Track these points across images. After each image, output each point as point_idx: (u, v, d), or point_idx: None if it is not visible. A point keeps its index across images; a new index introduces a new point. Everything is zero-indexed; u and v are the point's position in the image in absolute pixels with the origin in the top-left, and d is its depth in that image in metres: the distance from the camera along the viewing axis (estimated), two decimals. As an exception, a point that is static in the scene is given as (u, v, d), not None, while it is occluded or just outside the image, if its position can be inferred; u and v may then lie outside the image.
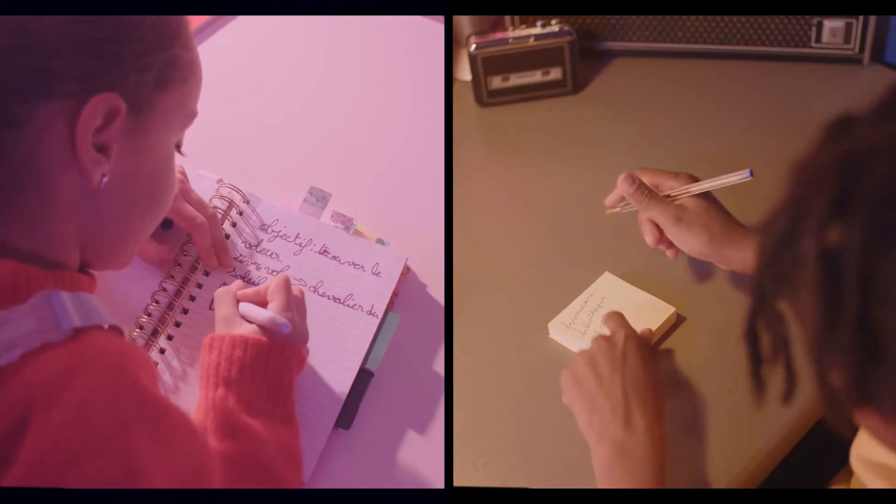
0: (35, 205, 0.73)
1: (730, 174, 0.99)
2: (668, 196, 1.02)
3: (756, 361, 0.62)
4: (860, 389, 0.55)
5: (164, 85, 0.76)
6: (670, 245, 1.03)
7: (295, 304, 0.91)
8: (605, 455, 0.84)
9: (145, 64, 0.74)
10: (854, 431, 0.60)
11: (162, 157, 0.81)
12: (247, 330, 0.88)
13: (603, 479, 0.84)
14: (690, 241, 1.00)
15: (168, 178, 0.83)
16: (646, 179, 1.03)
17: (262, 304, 0.91)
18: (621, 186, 1.02)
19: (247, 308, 0.90)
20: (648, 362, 0.90)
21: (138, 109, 0.75)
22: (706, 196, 1.01)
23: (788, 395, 0.60)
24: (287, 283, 0.91)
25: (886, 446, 0.61)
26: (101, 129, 0.73)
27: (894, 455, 0.68)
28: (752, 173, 0.97)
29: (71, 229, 0.76)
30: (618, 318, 0.95)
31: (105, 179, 0.74)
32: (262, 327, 0.88)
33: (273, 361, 0.87)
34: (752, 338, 0.61)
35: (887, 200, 0.51)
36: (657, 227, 1.02)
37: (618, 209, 1.06)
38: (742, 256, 0.98)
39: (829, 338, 0.54)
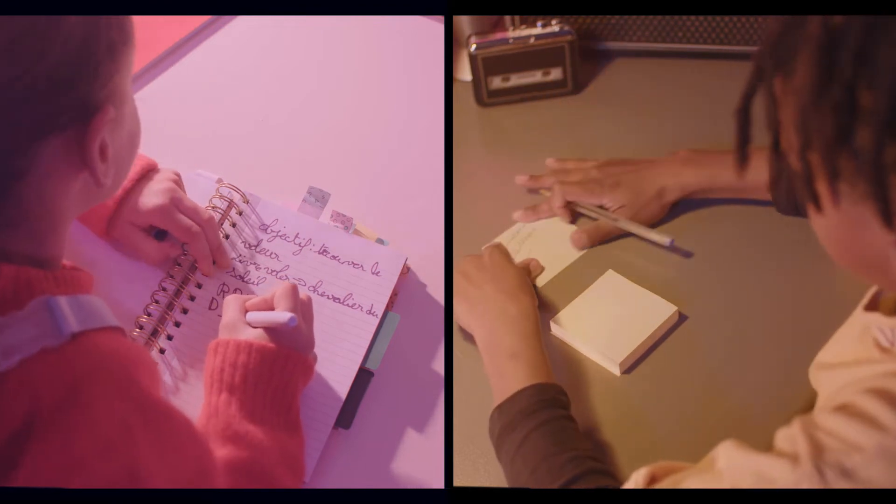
0: (41, 221, 0.73)
1: (653, 235, 1.08)
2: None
3: (744, 138, 0.67)
4: (833, 160, 0.60)
5: (128, 63, 0.75)
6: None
7: (301, 310, 0.91)
8: (484, 327, 0.95)
9: (120, 64, 0.73)
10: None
11: (132, 106, 0.79)
12: (252, 335, 0.88)
13: (486, 348, 0.94)
14: (652, 192, 1.11)
15: (136, 114, 0.80)
16: (573, 179, 1.14)
17: (270, 310, 0.90)
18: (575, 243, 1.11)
19: (253, 314, 0.90)
20: (508, 259, 1.02)
21: (118, 100, 0.74)
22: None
23: (773, 182, 0.67)
24: (294, 290, 0.91)
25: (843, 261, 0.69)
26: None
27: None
28: (672, 243, 1.06)
29: (69, 225, 0.76)
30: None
31: (112, 172, 0.75)
32: (268, 331, 0.88)
33: (277, 368, 0.87)
34: (744, 114, 0.66)
35: None
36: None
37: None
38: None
39: (819, 101, 0.59)
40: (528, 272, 1.05)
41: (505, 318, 0.94)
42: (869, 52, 0.57)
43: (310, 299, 0.93)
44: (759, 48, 0.65)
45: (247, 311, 0.91)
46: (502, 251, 1.04)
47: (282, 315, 0.87)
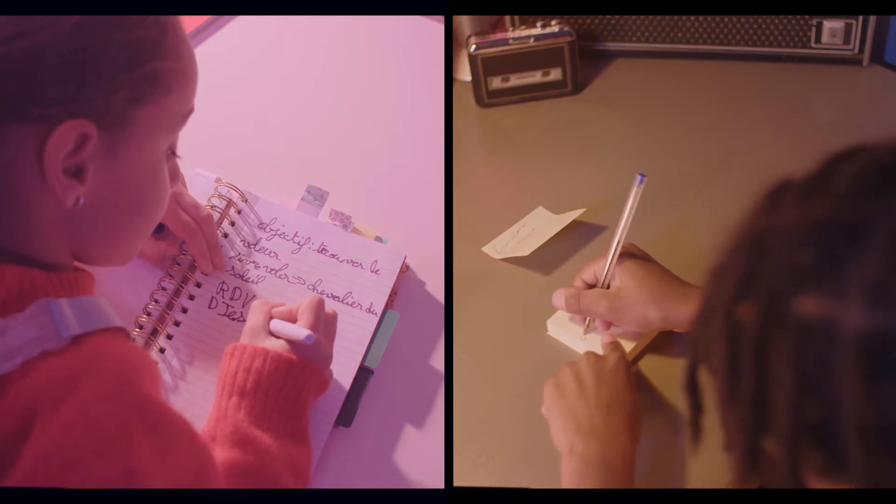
0: (17, 223, 0.72)
1: (630, 196, 0.92)
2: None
3: (695, 410, 0.63)
4: (753, 460, 0.57)
5: (141, 100, 0.73)
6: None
7: (324, 326, 0.90)
8: (576, 464, 0.83)
9: (116, 85, 0.71)
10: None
11: (148, 166, 0.77)
12: (271, 344, 0.88)
13: (567, 473, 0.83)
14: (637, 323, 0.95)
15: (157, 184, 0.79)
16: (585, 277, 0.98)
17: (293, 321, 0.90)
18: (555, 304, 0.99)
19: (275, 324, 0.89)
20: (632, 384, 0.90)
21: (113, 128, 0.72)
22: (637, 262, 0.96)
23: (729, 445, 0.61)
24: (319, 305, 0.90)
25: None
26: (73, 153, 0.70)
27: None
28: (642, 178, 0.91)
29: (59, 240, 0.75)
30: (615, 343, 0.95)
31: (81, 202, 0.72)
32: (288, 342, 0.88)
33: (291, 378, 0.86)
34: (692, 388, 0.62)
35: (781, 289, 0.52)
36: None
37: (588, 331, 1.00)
38: (690, 312, 0.92)
39: (729, 410, 0.57)
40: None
41: (601, 463, 0.82)
42: (768, 359, 0.53)
43: (335, 314, 0.92)
44: (691, 326, 0.61)
45: (272, 319, 0.90)
46: (626, 368, 0.90)
47: (299, 331, 0.87)
